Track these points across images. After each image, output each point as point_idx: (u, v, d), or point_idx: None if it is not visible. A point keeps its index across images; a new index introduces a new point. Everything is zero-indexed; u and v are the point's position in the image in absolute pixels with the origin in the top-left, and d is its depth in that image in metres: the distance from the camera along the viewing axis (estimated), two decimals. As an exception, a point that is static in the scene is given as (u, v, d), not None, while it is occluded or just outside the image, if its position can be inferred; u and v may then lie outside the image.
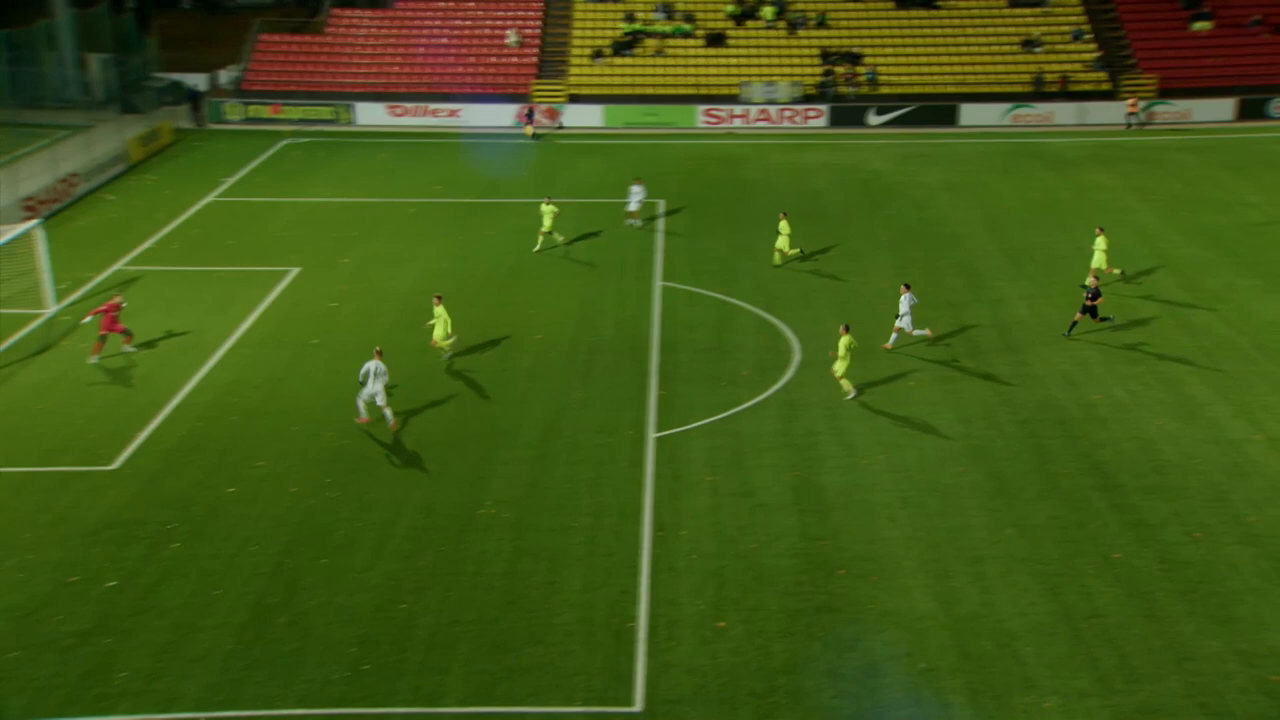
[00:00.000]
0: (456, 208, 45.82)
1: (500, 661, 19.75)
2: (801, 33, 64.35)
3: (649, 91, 61.58)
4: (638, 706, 18.77)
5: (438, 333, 30.81)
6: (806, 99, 60.95)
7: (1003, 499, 24.66)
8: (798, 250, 38.79)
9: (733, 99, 60.95)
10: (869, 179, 49.97)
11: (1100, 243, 36.00)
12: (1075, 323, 32.62)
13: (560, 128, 60.08)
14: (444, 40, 64.23)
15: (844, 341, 28.65)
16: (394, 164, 52.94)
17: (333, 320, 34.31)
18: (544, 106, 60.70)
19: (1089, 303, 32.06)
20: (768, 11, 64.96)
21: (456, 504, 24.54)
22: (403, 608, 21.16)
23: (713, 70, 62.39)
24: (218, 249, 40.92)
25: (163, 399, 29.31)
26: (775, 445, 26.90)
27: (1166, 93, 60.93)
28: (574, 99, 61.32)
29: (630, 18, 64.71)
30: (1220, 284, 36.70)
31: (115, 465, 26.20)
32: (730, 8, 65.28)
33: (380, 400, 27.33)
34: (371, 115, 60.81)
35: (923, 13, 65.18)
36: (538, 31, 64.97)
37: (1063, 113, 60.29)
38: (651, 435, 27.45)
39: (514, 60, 63.37)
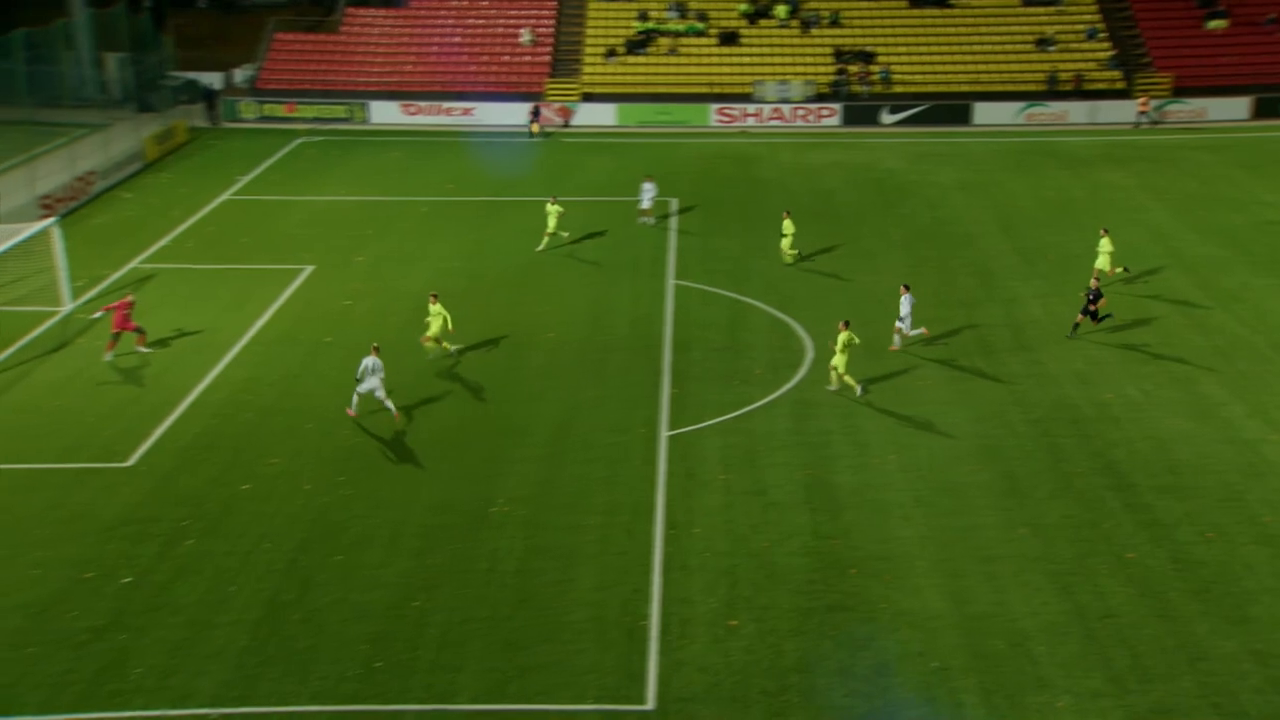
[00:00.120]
0: (469, 206, 45.91)
1: (512, 659, 19.80)
2: (815, 31, 64.28)
3: (662, 90, 61.58)
4: (650, 705, 18.80)
5: (432, 330, 30.78)
6: (820, 98, 60.89)
7: (1015, 498, 24.62)
8: (796, 251, 38.62)
9: (746, 98, 60.91)
10: (882, 178, 49.91)
11: (1104, 244, 35.84)
12: (1077, 324, 32.52)
13: (565, 126, 60.13)
14: (458, 39, 64.37)
15: (842, 337, 28.70)
16: (407, 163, 53.07)
17: (346, 318, 34.42)
18: (557, 105, 60.76)
19: (1090, 305, 31.97)
20: (781, 10, 64.90)
21: (469, 502, 24.61)
22: (415, 605, 21.23)
23: (726, 69, 62.36)
24: (232, 247, 41.09)
25: (177, 396, 29.44)
26: (788, 444, 26.91)
27: (1181, 91, 60.70)
28: (587, 97, 61.36)
29: (644, 16, 64.72)
30: (1235, 283, 36.57)
31: (130, 462, 26.34)
32: (744, 6, 65.25)
33: (380, 394, 27.54)
34: (385, 114, 60.95)
35: (936, 11, 65.05)
36: (551, 30, 65.04)
37: (1077, 112, 60.12)
38: (664, 433, 27.47)
39: (527, 59, 63.45)
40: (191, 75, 65.26)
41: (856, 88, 61.08)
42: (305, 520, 23.98)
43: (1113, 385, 29.74)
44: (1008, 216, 44.05)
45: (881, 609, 21.07)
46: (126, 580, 22.00)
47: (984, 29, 64.31)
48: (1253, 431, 27.30)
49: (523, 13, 65.71)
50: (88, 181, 47.01)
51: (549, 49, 64.03)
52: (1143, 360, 31.16)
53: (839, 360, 28.85)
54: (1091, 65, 61.65)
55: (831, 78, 61.47)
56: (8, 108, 51.71)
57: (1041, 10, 64.72)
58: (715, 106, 60.41)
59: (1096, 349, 31.85)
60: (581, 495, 24.85)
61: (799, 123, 60.26)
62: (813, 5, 65.45)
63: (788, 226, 38.39)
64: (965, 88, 61.15)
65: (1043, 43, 62.84)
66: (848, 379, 28.96)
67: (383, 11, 65.93)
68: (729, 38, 63.77)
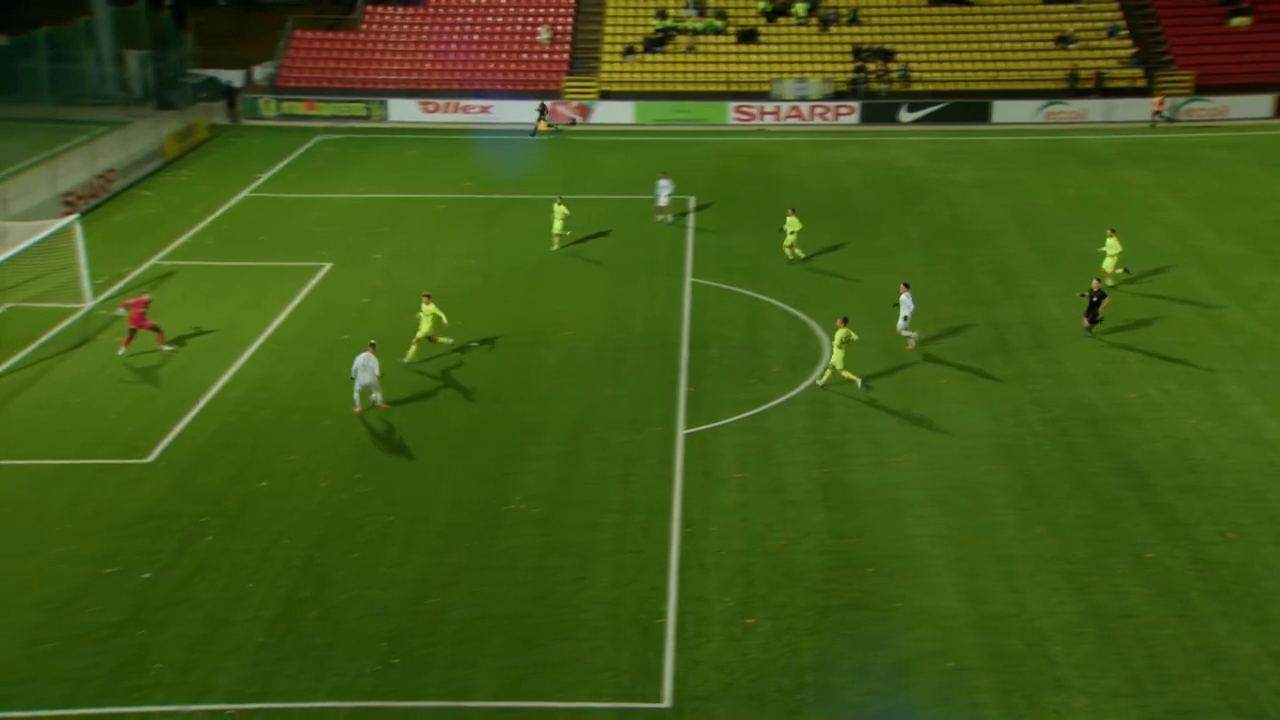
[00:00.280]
0: (487, 204, 45.99)
1: (529, 657, 19.84)
2: (833, 29, 64.14)
3: (680, 88, 61.58)
4: (666, 703, 18.81)
5: (421, 330, 30.75)
6: (838, 96, 60.76)
7: (1032, 497, 24.54)
8: (801, 252, 38.47)
9: (764, 96, 60.83)
10: (900, 176, 49.77)
11: (1111, 245, 35.58)
12: (1088, 326, 32.32)
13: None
14: (476, 37, 64.47)
15: (840, 334, 28.72)
16: (425, 160, 53.19)
17: (364, 316, 34.52)
18: (575, 103, 60.79)
19: (1094, 303, 31.77)
20: (800, 8, 64.79)
21: (486, 499, 24.66)
22: (432, 602, 21.28)
23: (744, 67, 62.29)
24: (251, 244, 41.27)
25: (196, 393, 29.60)
26: (805, 442, 26.87)
27: (1203, 89, 60.34)
28: (605, 95, 61.39)
29: (662, 14, 64.70)
30: (1256, 282, 36.34)
31: (150, 458, 26.49)
32: (762, 4, 65.17)
33: (374, 393, 28.05)
34: (404, 112, 61.11)
35: (955, 9, 64.84)
36: (569, 28, 65.09)
37: (1097, 110, 59.82)
38: (681, 432, 27.48)
39: (546, 57, 63.51)
40: (212, 73, 65.59)
41: (875, 86, 60.93)
42: (322, 517, 24.07)
43: (1131, 384, 29.60)
44: (1026, 215, 43.88)
45: (898, 608, 21.03)
46: (146, 576, 22.13)
47: (1004, 27, 64.08)
48: (1274, 431, 27.13)
49: (541, 11, 65.77)
50: (108, 179, 47.27)
51: (567, 47, 64.08)
52: (1162, 359, 30.99)
53: (836, 357, 28.83)
54: (1112, 63, 61.35)
55: (850, 75, 61.33)
56: (30, 105, 52.04)
57: (1062, 8, 64.44)
58: (733, 105, 60.35)
59: (1115, 348, 31.71)
60: (598, 493, 24.87)
61: (817, 121, 60.16)
62: (831, 3, 65.32)
63: (792, 223, 38.28)
64: (984, 86, 60.93)
65: (1063, 40, 62.55)
66: (846, 374, 28.95)
67: (402, 9, 66.09)
68: (747, 35, 63.69)
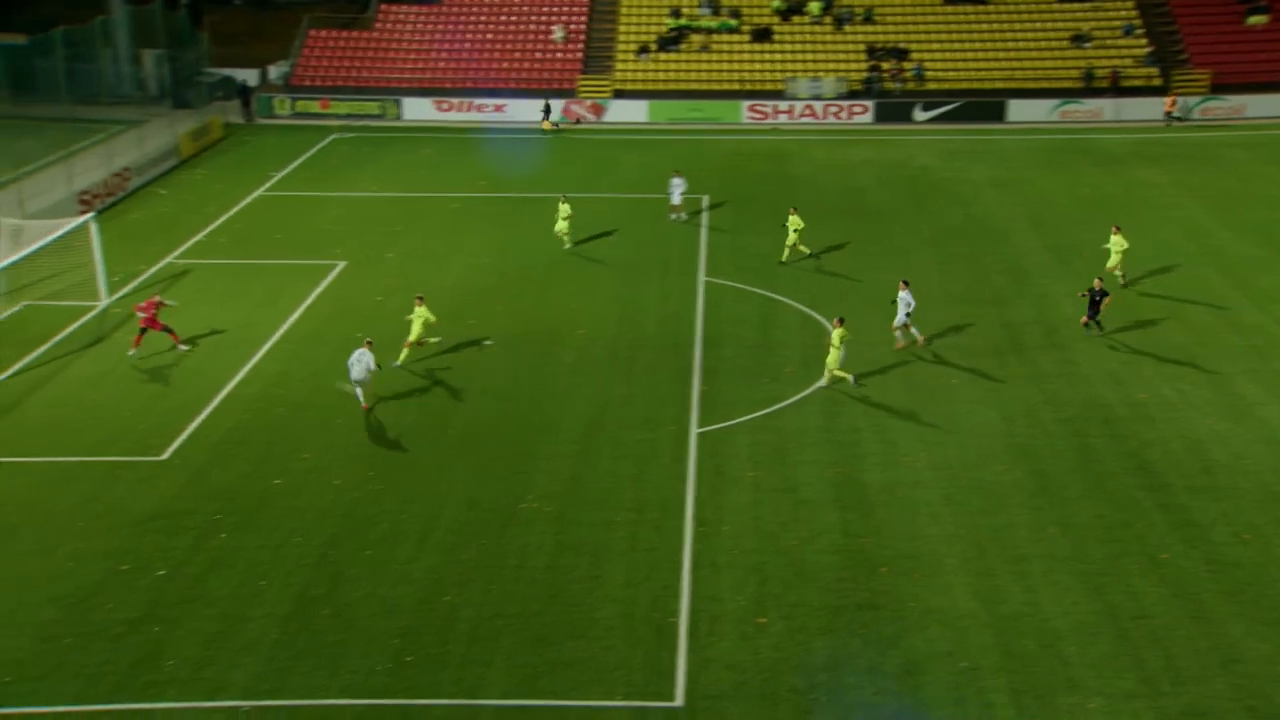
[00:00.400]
0: (500, 203, 46.04)
1: (542, 655, 19.86)
2: (848, 28, 64.04)
3: (694, 87, 61.57)
4: (678, 701, 18.81)
5: (413, 333, 30.67)
6: (852, 95, 60.66)
7: (1046, 497, 24.46)
8: (798, 248, 38.34)
9: (778, 94, 60.78)
10: (914, 175, 49.66)
11: (1117, 242, 35.35)
12: (1099, 324, 32.13)
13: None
14: (490, 36, 64.55)
15: (837, 334, 28.75)
16: (439, 159, 53.28)
17: (378, 314, 34.58)
18: (589, 102, 60.82)
19: (1095, 301, 31.62)
20: (814, 7, 64.71)
21: (499, 498, 24.70)
22: (445, 600, 21.33)
23: (758, 66, 62.24)
24: (265, 243, 41.40)
25: (211, 391, 29.70)
26: (817, 441, 26.84)
27: (1219, 88, 60.06)
28: (619, 94, 61.41)
29: (676, 13, 64.69)
30: (1273, 282, 36.16)
31: (165, 456, 26.59)
32: (776, 3, 65.10)
33: (363, 385, 28.19)
34: (418, 110, 61.23)
35: (970, 8, 64.69)
36: (584, 27, 65.12)
37: (1112, 109, 59.60)
38: (694, 431, 27.47)
39: (560, 56, 63.55)
40: (227, 72, 65.82)
41: (889, 85, 60.81)
42: (336, 515, 24.14)
43: (1146, 385, 29.48)
44: (1041, 214, 43.74)
45: (911, 608, 20.99)
46: (160, 573, 22.22)
47: (1019, 25, 63.90)
48: (1289, 432, 27.02)
49: (555, 9, 65.81)
50: (124, 177, 47.48)
51: (581, 46, 64.11)
52: (1177, 359, 30.86)
53: (832, 357, 28.84)
54: (1128, 62, 61.12)
55: (864, 74, 61.21)
56: (47, 104, 52.34)
57: (1077, 6, 64.22)
58: (747, 103, 60.31)
59: (1129, 348, 31.58)
60: (611, 492, 24.89)
61: (831, 120, 60.08)
62: (846, 2, 65.20)
63: (794, 222, 38.16)
64: (999, 85, 60.77)
65: (1078, 39, 62.33)
66: (839, 372, 28.96)
67: (416, 8, 66.22)
68: (762, 34, 63.64)
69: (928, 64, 61.60)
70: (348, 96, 61.77)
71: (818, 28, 64.25)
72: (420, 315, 30.71)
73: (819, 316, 33.91)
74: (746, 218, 43.50)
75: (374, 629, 20.55)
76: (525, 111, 60.20)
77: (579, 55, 63.58)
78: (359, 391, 28.50)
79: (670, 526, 23.56)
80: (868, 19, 64.27)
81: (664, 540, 23.10)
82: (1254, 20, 63.13)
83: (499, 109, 60.75)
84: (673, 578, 21.91)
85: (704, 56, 62.76)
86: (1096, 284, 32.15)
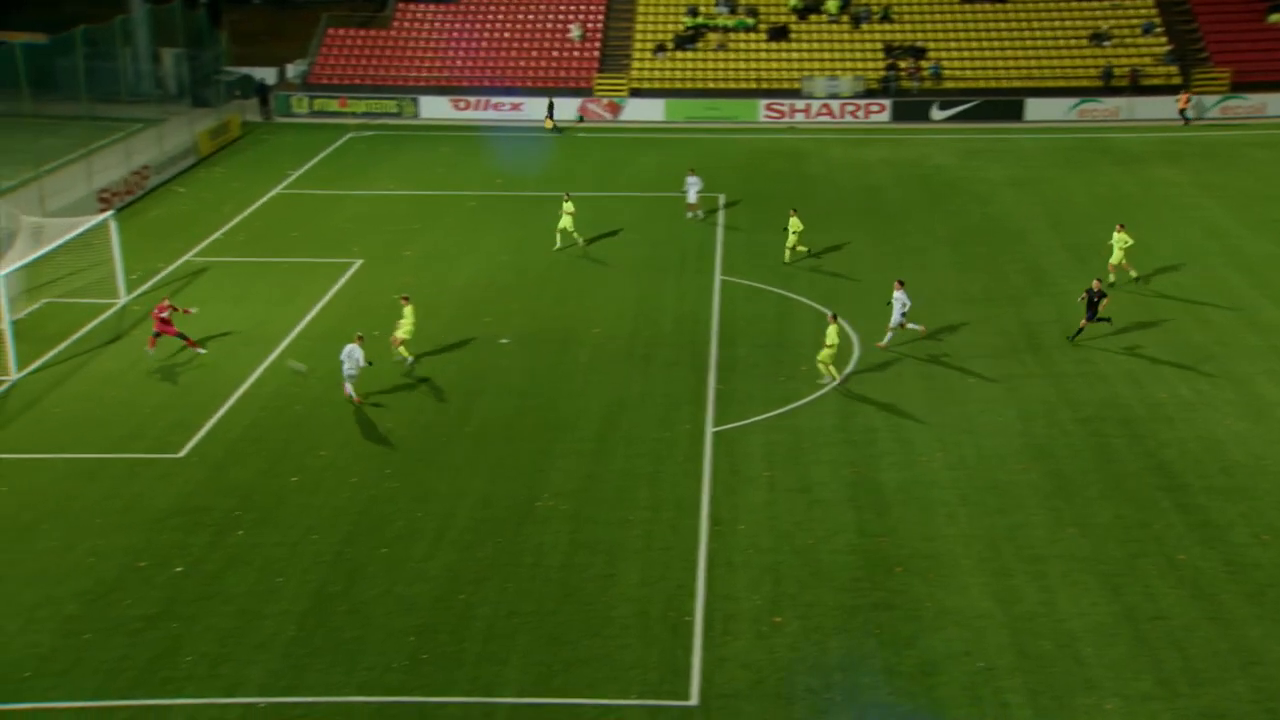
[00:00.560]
0: (516, 201, 46.09)
1: (557, 653, 19.89)
2: (865, 27, 63.88)
3: (711, 86, 61.52)
4: (693, 700, 18.82)
5: (399, 332, 30.45)
6: (869, 93, 60.52)
7: (1063, 498, 24.38)
8: (798, 248, 38.28)
9: (795, 93, 60.67)
10: (931, 174, 49.53)
11: (1119, 240, 35.12)
12: (1103, 320, 31.94)
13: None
14: (507, 34, 64.62)
15: (831, 330, 28.80)
16: (456, 157, 53.37)
17: (395, 312, 34.55)
18: (605, 100, 60.83)
19: (1093, 302, 31.44)
20: (831, 5, 64.57)
21: (515, 496, 24.74)
22: (461, 598, 21.37)
23: (775, 64, 62.15)
24: (283, 241, 41.55)
25: (228, 388, 29.82)
26: (833, 441, 26.81)
27: (1239, 87, 59.69)
28: (635, 93, 61.40)
29: (693, 12, 64.64)
30: (1292, 282, 35.97)
31: (183, 453, 26.72)
32: (794, 1, 64.97)
33: (351, 379, 28.51)
34: (435, 109, 61.33)
35: (988, 6, 64.45)
36: (600, 25, 65.13)
37: (1131, 108, 59.29)
38: (709, 429, 27.46)
39: (576, 54, 63.58)
40: (245, 70, 66.07)
41: (906, 83, 60.65)
42: (352, 512, 24.22)
43: (1165, 384, 29.35)
44: (1059, 213, 43.57)
45: (927, 607, 20.95)
46: (178, 570, 22.33)
47: (1037, 24, 63.63)
48: (1309, 433, 26.85)
49: (572, 8, 65.84)
50: (143, 175, 47.70)
51: (598, 44, 64.12)
52: (1196, 360, 30.71)
53: (825, 354, 28.87)
54: (1148, 60, 60.81)
55: (881, 73, 61.06)
56: (67, 103, 52.55)
57: (1096, 4, 63.91)
58: (764, 102, 60.22)
59: (1147, 348, 31.43)
60: (626, 491, 24.90)
61: (848, 118, 59.95)
62: (863, 0, 65.03)
63: (794, 224, 38.06)
64: (1017, 83, 60.54)
65: (1097, 37, 62.04)
66: (831, 369, 29.05)
67: (434, 7, 66.32)
68: (778, 33, 63.54)
69: (945, 62, 61.42)
70: (365, 95, 61.94)
71: (835, 26, 64.12)
72: (408, 314, 30.49)
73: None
74: (763, 216, 43.43)
75: (390, 626, 20.61)
76: (543, 110, 60.20)
77: (596, 54, 63.60)
78: (348, 386, 28.64)
79: (686, 525, 23.57)
80: (885, 17, 64.11)
81: (679, 539, 23.11)
82: (1275, 18, 62.70)
83: (515, 107, 60.81)
84: (688, 576, 21.91)
85: (721, 55, 62.71)
86: (1095, 285, 31.98)
